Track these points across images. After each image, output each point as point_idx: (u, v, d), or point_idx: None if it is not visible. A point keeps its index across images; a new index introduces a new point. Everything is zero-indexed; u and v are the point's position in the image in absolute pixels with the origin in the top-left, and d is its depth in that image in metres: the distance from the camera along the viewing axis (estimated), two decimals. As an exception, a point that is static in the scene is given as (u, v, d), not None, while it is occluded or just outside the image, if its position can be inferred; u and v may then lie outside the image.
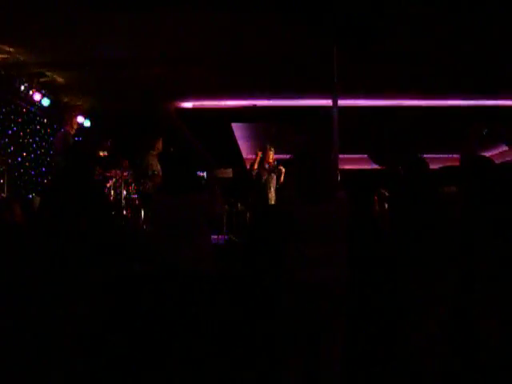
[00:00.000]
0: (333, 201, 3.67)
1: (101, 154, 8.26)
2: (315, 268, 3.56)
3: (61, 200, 4.53)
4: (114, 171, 8.07)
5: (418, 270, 4.44)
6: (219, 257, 4.76)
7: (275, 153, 9.28)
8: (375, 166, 7.20)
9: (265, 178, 8.98)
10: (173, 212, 4.30)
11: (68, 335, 4.26)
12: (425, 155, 5.17)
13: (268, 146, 9.23)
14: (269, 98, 9.77)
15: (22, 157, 8.75)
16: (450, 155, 12.12)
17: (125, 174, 8.25)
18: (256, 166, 9.05)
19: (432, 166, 5.09)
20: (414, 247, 4.52)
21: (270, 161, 9.08)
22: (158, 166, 8.33)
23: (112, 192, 7.84)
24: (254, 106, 10.06)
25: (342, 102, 6.96)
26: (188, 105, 10.31)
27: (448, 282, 4.39)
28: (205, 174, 6.66)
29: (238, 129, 12.34)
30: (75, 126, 8.08)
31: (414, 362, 4.26)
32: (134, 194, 8.20)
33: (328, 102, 7.04)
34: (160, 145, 8.47)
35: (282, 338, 3.76)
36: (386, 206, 5.60)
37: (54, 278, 4.25)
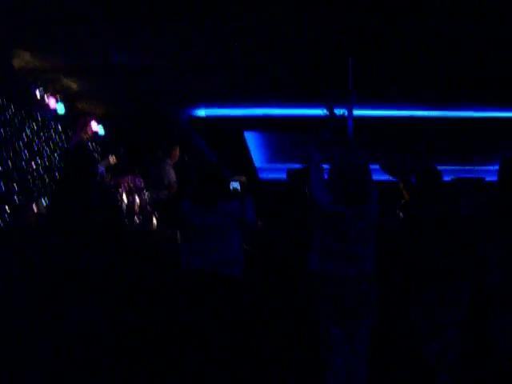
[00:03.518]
0: (370, 202, 3.85)
1: (111, 160, 8.28)
2: (352, 263, 3.76)
3: (65, 203, 4.54)
4: (126, 177, 8.08)
5: (433, 283, 4.42)
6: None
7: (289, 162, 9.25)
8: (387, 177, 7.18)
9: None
10: (202, 220, 4.43)
11: (82, 339, 4.27)
12: (438, 166, 5.15)
13: None
14: (282, 107, 9.76)
15: (35, 162, 8.78)
16: (464, 167, 12.09)
17: (137, 180, 8.26)
18: None
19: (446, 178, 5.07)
20: (427, 259, 4.50)
21: None
22: (174, 175, 8.35)
23: (124, 198, 7.84)
24: (267, 116, 10.06)
25: (356, 112, 6.96)
26: (201, 113, 10.33)
27: (465, 295, 4.37)
28: (238, 183, 6.72)
29: (250, 138, 12.35)
30: (89, 132, 8.12)
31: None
32: (147, 201, 8.21)
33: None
34: (176, 153, 8.49)
35: (322, 336, 3.83)
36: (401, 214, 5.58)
37: (66, 281, 4.26)
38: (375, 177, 4.01)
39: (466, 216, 4.84)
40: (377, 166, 6.75)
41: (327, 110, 4.17)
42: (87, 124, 8.13)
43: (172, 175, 8.32)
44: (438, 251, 4.51)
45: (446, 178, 5.49)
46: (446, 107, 9.23)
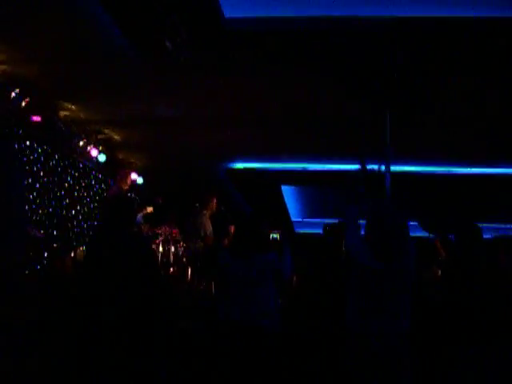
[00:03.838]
0: (406, 259, 3.78)
1: (148, 210, 8.38)
2: (387, 320, 3.70)
3: (101, 253, 4.58)
4: (163, 228, 8.15)
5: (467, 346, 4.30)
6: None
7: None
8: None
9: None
10: (239, 271, 4.47)
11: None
12: (479, 224, 5.05)
13: None
14: (319, 162, 9.81)
15: (75, 209, 8.96)
16: (506, 225, 11.84)
17: (174, 231, 8.31)
18: None
19: (486, 236, 4.97)
20: (464, 319, 4.39)
21: None
22: (211, 227, 8.38)
23: (161, 248, 7.89)
24: (304, 170, 10.11)
25: (394, 168, 6.95)
26: (239, 166, 10.44)
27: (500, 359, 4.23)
28: (279, 234, 6.75)
29: (287, 191, 12.39)
30: (129, 183, 8.27)
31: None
32: (182, 251, 8.24)
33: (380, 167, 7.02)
34: (214, 204, 8.53)
35: None
36: (439, 272, 5.47)
37: (99, 330, 4.25)
38: (412, 233, 3.96)
39: (505, 273, 4.73)
40: (415, 223, 6.69)
41: (360, 164, 4.17)
42: (127, 175, 8.31)
43: (208, 226, 8.34)
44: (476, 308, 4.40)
45: (487, 236, 5.38)
46: (486, 164, 9.15)
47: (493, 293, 4.42)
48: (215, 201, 8.57)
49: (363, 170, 4.07)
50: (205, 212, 8.42)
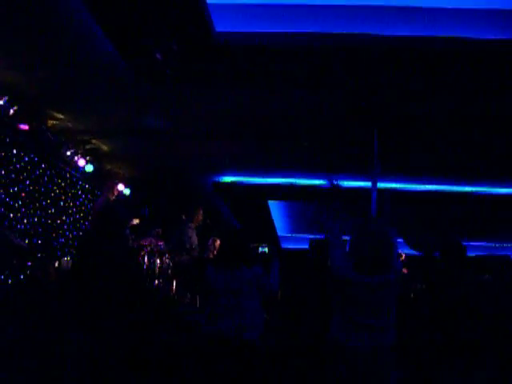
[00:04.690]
0: (391, 272, 3.80)
1: (134, 222, 8.35)
2: (371, 334, 3.71)
3: (89, 264, 4.57)
4: (149, 239, 8.12)
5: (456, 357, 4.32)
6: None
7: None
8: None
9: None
10: (223, 284, 4.48)
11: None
12: (464, 242, 5.09)
13: None
14: (307, 177, 9.82)
15: (60, 219, 8.90)
16: (490, 243, 11.91)
17: (159, 243, 8.28)
18: None
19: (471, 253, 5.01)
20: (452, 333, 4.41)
21: None
22: (196, 239, 8.36)
23: (146, 260, 7.85)
24: (292, 185, 10.12)
25: (380, 185, 6.96)
26: (226, 179, 10.43)
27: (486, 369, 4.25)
28: (266, 248, 6.76)
29: (274, 206, 12.39)
30: (115, 193, 8.24)
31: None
32: (168, 264, 8.21)
33: (367, 184, 7.07)
34: (199, 217, 8.52)
35: None
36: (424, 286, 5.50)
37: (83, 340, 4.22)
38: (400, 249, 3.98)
39: (488, 294, 4.75)
40: (400, 239, 6.70)
41: (327, 181, 4.25)
42: (114, 186, 8.28)
43: (194, 239, 8.32)
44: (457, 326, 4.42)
45: (471, 254, 5.42)
46: (472, 183, 9.21)
47: (475, 311, 4.45)
48: (201, 212, 8.56)
49: (330, 186, 4.13)
50: (190, 224, 8.40)
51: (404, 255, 6.53)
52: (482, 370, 4.32)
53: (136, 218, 8.44)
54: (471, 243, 9.13)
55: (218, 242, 8.02)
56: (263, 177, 10.16)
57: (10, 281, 6.83)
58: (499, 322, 4.54)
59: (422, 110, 6.50)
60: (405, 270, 5.41)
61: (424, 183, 9.41)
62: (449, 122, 6.83)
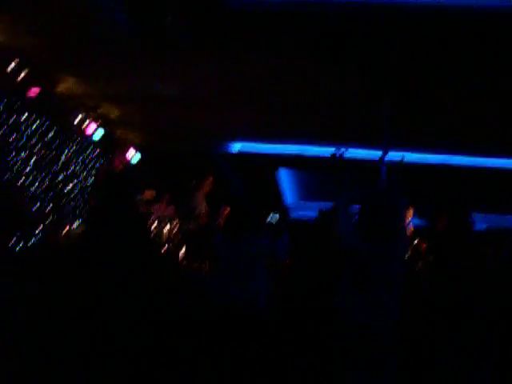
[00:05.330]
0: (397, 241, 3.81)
1: (148, 195, 8.31)
2: (376, 308, 3.72)
3: (99, 229, 4.60)
4: (158, 206, 8.15)
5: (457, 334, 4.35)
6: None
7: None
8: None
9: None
10: (231, 252, 4.49)
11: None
12: (474, 213, 5.08)
13: None
14: (317, 146, 9.78)
15: (72, 184, 8.95)
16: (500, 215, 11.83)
17: (168, 209, 8.30)
18: None
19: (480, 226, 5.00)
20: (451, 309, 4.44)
21: None
22: (205, 206, 8.37)
23: (155, 226, 7.89)
24: (302, 153, 10.09)
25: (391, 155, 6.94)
26: (236, 146, 10.41)
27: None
28: (276, 216, 6.78)
29: (284, 174, 12.37)
30: (125, 160, 8.24)
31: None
32: (176, 230, 8.24)
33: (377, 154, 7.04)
34: (209, 184, 8.52)
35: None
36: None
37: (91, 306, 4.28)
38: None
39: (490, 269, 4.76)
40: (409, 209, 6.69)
41: (337, 151, 4.23)
42: (124, 152, 8.29)
43: (203, 206, 8.34)
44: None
45: (481, 226, 5.42)
46: (483, 154, 9.14)
47: (479, 284, 4.46)
48: (211, 180, 8.56)
49: (332, 157, 4.12)
50: (200, 191, 8.41)
51: (412, 227, 6.52)
52: (484, 346, 4.34)
53: (149, 189, 8.40)
54: (482, 215, 9.07)
55: (228, 209, 8.03)
56: (273, 144, 10.12)
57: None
58: (503, 294, 4.55)
59: (433, 79, 6.41)
60: (413, 241, 5.41)
61: (434, 153, 9.35)
62: (460, 94, 6.74)
